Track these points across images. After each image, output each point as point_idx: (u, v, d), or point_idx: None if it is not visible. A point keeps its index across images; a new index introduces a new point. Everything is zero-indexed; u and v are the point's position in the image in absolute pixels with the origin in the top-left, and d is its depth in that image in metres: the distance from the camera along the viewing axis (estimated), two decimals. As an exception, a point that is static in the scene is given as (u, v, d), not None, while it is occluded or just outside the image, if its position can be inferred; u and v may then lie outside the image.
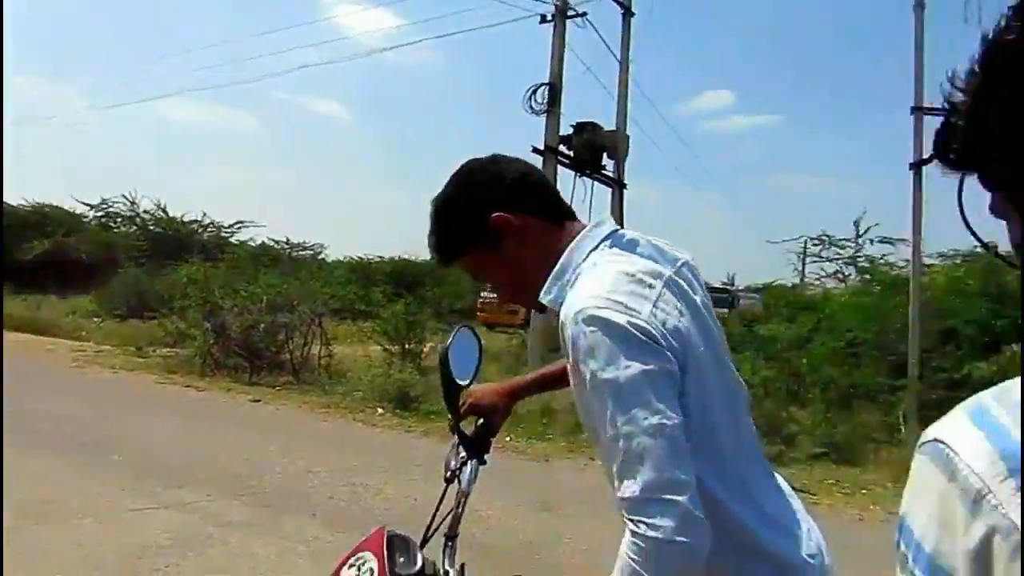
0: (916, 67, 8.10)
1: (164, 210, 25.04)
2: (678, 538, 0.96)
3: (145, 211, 25.00)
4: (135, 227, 24.73)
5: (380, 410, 8.30)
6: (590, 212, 10.05)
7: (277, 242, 26.35)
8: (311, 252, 27.35)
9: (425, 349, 10.62)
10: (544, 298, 1.19)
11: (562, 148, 9.53)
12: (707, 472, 1.07)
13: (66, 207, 24.97)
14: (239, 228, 26.08)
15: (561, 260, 1.18)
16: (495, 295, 23.61)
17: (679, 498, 0.97)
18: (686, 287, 1.16)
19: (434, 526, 1.42)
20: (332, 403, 8.64)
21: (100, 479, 4.99)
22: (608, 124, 10.21)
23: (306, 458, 5.91)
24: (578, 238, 1.20)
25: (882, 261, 9.74)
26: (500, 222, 1.20)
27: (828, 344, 9.02)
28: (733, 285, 32.20)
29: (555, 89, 9.33)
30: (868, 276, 10.02)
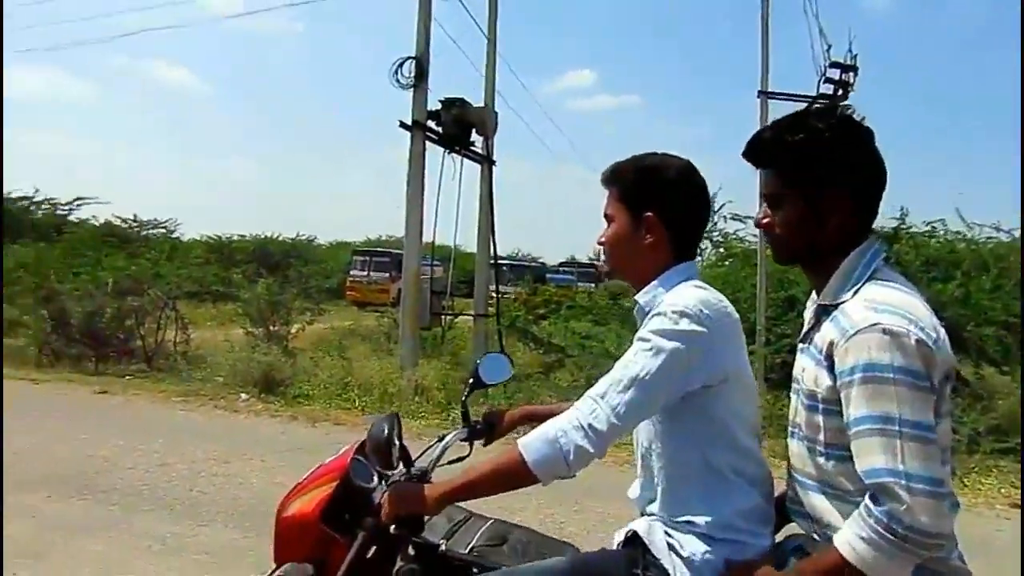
0: (762, 54, 8.63)
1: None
2: None
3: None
4: (-49, 204, 22.01)
5: (244, 395, 7.91)
6: (459, 188, 10.01)
7: (124, 220, 24.35)
8: (164, 231, 25.51)
9: (292, 330, 10.24)
10: (641, 297, 1.49)
11: (431, 124, 9.39)
12: None
13: None
14: (79, 205, 23.81)
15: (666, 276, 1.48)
16: (365, 274, 22.80)
17: None
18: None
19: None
20: (191, 391, 8.14)
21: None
22: (477, 100, 10.17)
23: (161, 450, 5.52)
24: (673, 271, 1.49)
25: (734, 236, 10.37)
26: (653, 220, 1.48)
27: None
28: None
29: (421, 63, 9.14)
30: (722, 250, 10.65)
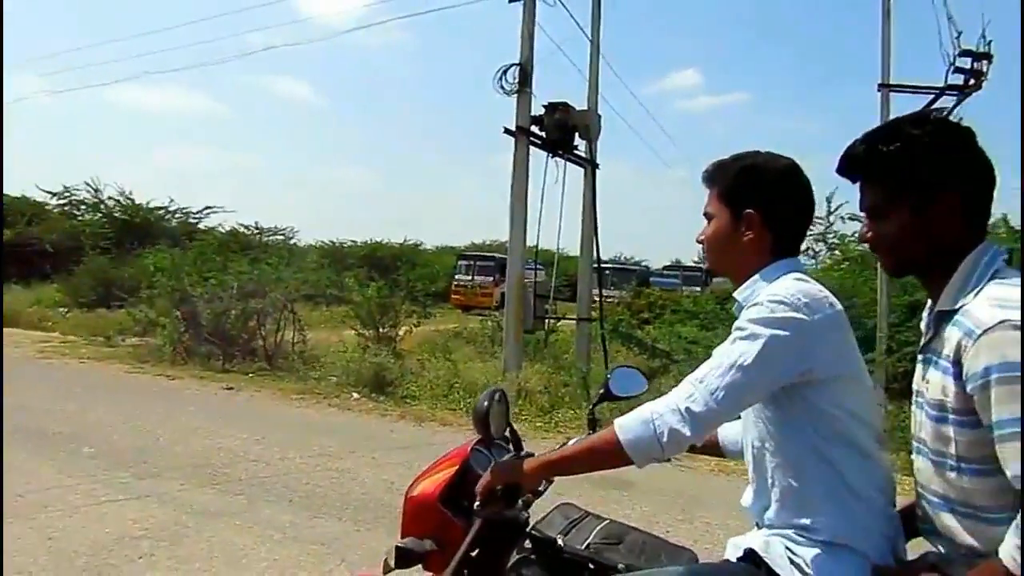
0: (883, 44, 8.17)
1: (129, 197, 24.45)
2: None
3: (110, 198, 24.39)
4: (100, 215, 24.12)
5: (355, 395, 8.26)
6: (563, 192, 10.04)
7: (247, 227, 26.01)
8: (282, 237, 27.05)
9: (400, 333, 10.58)
10: (739, 293, 1.49)
11: (534, 129, 9.48)
12: None
13: (28, 196, 24.34)
14: (208, 214, 25.67)
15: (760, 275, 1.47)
16: (470, 279, 23.32)
17: None
18: None
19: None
20: (307, 389, 8.58)
21: (70, 471, 4.90)
22: (580, 104, 10.18)
23: (281, 444, 5.87)
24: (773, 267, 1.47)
25: (852, 238, 9.83)
26: (756, 217, 1.47)
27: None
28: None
29: (525, 69, 9.25)
30: (838, 253, 10.14)
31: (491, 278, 23.92)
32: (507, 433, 1.77)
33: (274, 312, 10.64)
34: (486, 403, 1.65)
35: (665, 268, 34.67)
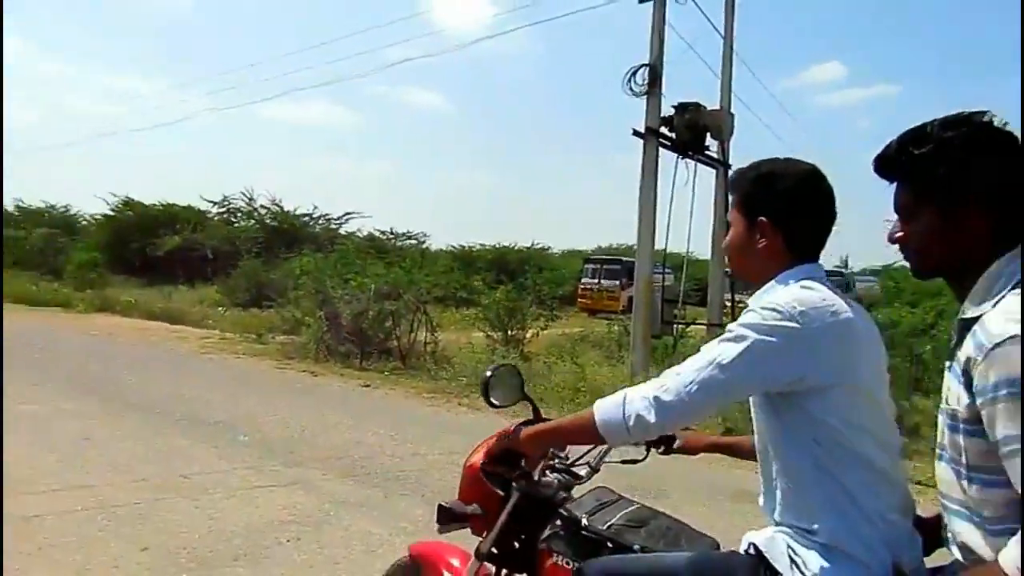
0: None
1: (279, 204, 26.37)
2: None
3: (262, 206, 26.42)
4: (253, 221, 26.16)
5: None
6: (693, 194, 9.80)
7: (383, 232, 27.26)
8: (415, 241, 28.12)
9: (528, 335, 10.70)
10: (754, 299, 1.47)
11: (663, 130, 9.32)
12: None
13: (193, 205, 26.83)
14: (347, 219, 27.19)
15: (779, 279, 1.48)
16: (596, 282, 23.34)
17: None
18: None
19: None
20: (438, 388, 8.88)
21: (228, 457, 5.34)
22: (711, 103, 9.90)
23: (414, 441, 6.11)
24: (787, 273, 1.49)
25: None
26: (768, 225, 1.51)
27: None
28: (847, 268, 30.59)
29: (655, 69, 9.11)
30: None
31: (618, 282, 23.69)
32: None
33: (408, 313, 11.09)
34: (488, 374, 1.87)
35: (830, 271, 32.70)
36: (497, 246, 29.76)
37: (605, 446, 1.75)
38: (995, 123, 1.26)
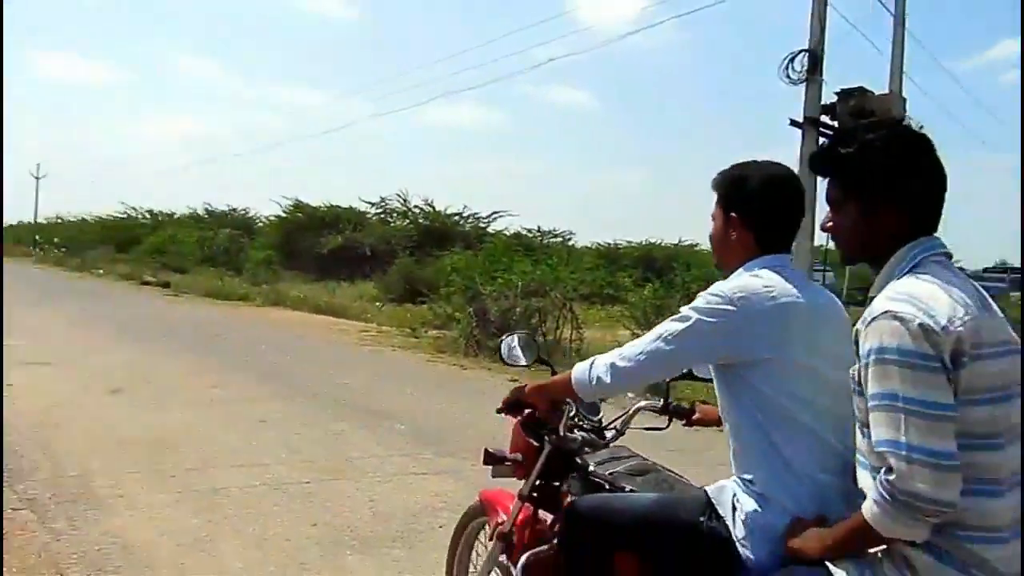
0: None
1: (431, 205, 27.57)
2: None
3: (415, 206, 27.70)
4: (407, 221, 27.50)
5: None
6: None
7: (529, 230, 27.67)
8: (561, 239, 28.31)
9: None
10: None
11: (824, 119, 8.77)
12: None
13: (354, 206, 28.65)
14: (495, 218, 27.86)
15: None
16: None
17: None
18: None
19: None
20: (583, 385, 8.89)
21: (386, 444, 5.68)
22: (877, 87, 9.19)
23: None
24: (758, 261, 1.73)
25: None
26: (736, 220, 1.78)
27: None
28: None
29: (815, 55, 8.59)
30: None
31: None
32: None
33: (553, 310, 11.21)
34: (505, 338, 2.40)
35: (986, 270, 29.56)
36: (643, 243, 29.33)
37: (630, 413, 2.19)
38: (912, 127, 1.49)
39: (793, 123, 8.67)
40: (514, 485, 2.22)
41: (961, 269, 1.50)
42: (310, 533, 3.85)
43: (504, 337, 2.41)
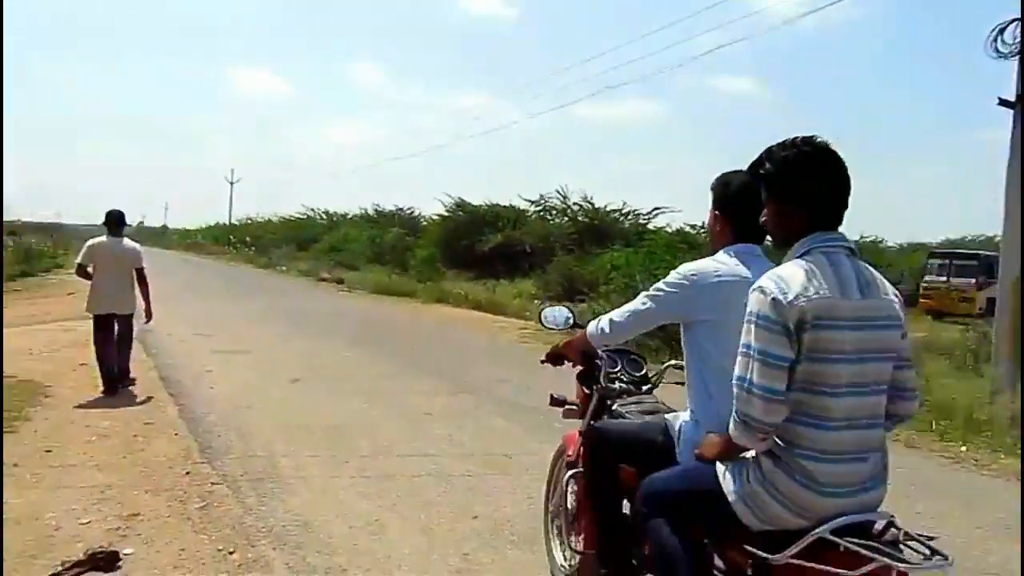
0: None
1: (591, 201, 27.48)
2: None
3: (575, 203, 27.77)
4: (567, 218, 27.65)
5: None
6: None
7: (693, 226, 26.82)
8: (726, 236, 27.18)
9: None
10: None
11: (1042, 96, 7.75)
12: None
13: (514, 204, 29.27)
14: (656, 214, 27.23)
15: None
16: (944, 280, 20.73)
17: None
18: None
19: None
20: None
21: (544, 441, 5.72)
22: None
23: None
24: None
25: None
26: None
27: None
28: None
29: (1032, 23, 7.61)
30: None
31: (973, 280, 20.47)
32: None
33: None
34: (544, 307, 3.32)
35: None
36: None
37: (662, 369, 3.10)
38: (817, 142, 1.91)
39: (1003, 103, 7.74)
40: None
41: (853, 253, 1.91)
42: (472, 525, 3.99)
43: (543, 307, 3.30)
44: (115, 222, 7.41)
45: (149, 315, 7.46)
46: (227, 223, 62.06)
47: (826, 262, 1.84)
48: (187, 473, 4.64)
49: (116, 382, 6.95)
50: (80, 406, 6.35)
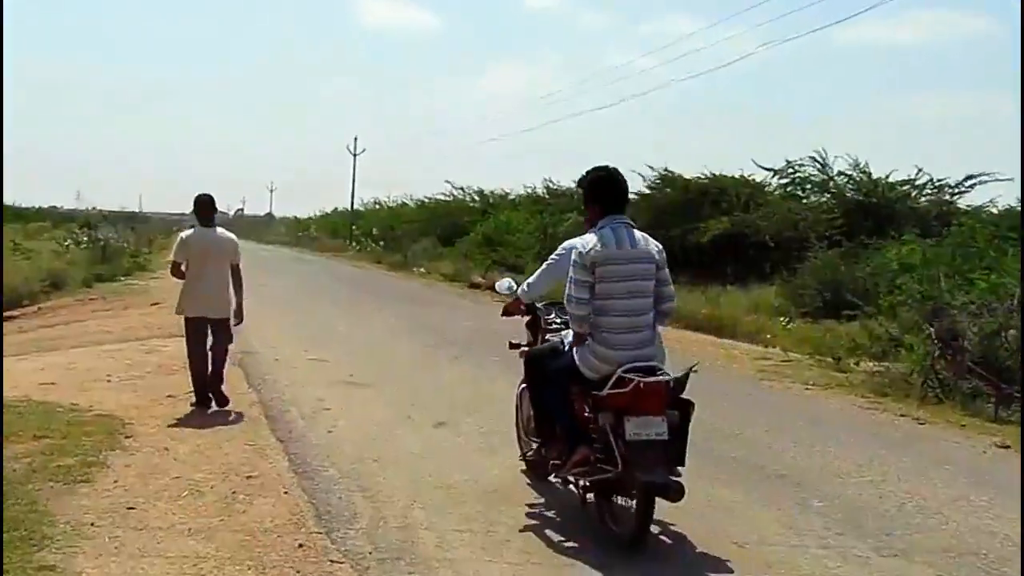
0: None
1: (865, 171, 26.10)
2: None
3: (840, 172, 26.50)
4: (828, 195, 26.51)
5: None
6: None
7: (1030, 205, 24.87)
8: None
9: None
10: None
11: None
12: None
13: (746, 174, 28.36)
14: (971, 186, 25.47)
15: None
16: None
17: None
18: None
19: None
20: None
21: (794, 527, 5.57)
22: None
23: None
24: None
25: None
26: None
27: None
28: None
29: None
30: None
31: None
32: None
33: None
34: (498, 281, 7.57)
35: None
36: None
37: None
38: (607, 169, 5.76)
39: None
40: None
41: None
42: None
43: (499, 280, 7.20)
44: (206, 208, 8.11)
45: (240, 316, 8.54)
46: (348, 208, 65.96)
47: (610, 231, 5.40)
48: (300, 546, 4.96)
49: (210, 391, 8.37)
50: (167, 449, 6.98)
